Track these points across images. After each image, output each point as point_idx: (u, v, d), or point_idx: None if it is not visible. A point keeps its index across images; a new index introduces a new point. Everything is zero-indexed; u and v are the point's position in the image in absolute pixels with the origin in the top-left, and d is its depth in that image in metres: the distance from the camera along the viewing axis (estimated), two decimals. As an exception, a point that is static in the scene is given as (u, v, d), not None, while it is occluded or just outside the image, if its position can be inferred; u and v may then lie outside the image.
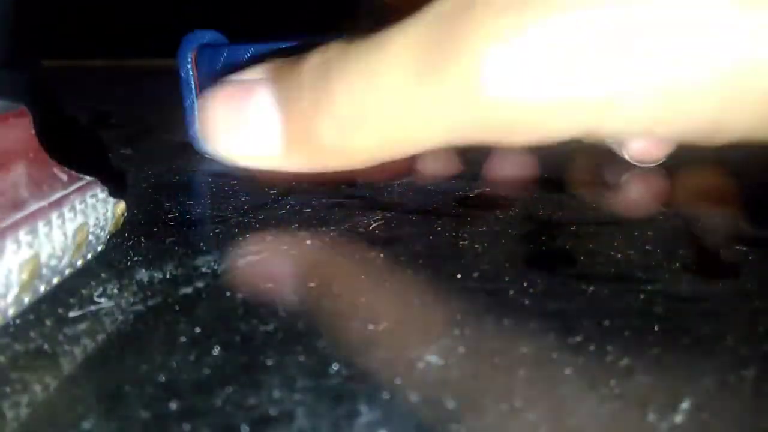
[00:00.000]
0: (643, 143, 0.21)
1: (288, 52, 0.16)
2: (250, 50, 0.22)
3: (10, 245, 0.12)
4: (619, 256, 0.16)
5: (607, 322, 0.13)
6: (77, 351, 0.12)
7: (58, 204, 0.13)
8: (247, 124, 0.16)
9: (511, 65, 0.12)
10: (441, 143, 0.14)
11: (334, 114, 0.14)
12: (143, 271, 0.15)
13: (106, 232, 0.15)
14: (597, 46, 0.12)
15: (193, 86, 0.25)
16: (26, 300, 0.13)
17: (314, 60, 0.15)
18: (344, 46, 0.14)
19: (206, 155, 0.24)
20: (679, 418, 0.10)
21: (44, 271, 0.13)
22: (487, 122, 0.13)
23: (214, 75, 0.21)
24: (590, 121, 0.13)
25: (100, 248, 0.15)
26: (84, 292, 0.14)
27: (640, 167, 0.24)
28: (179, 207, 0.19)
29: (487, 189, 0.22)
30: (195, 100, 0.25)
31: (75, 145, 0.27)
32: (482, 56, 0.12)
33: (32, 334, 0.12)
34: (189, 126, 0.25)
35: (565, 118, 0.13)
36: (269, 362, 0.11)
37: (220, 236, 0.17)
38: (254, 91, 0.16)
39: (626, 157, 0.23)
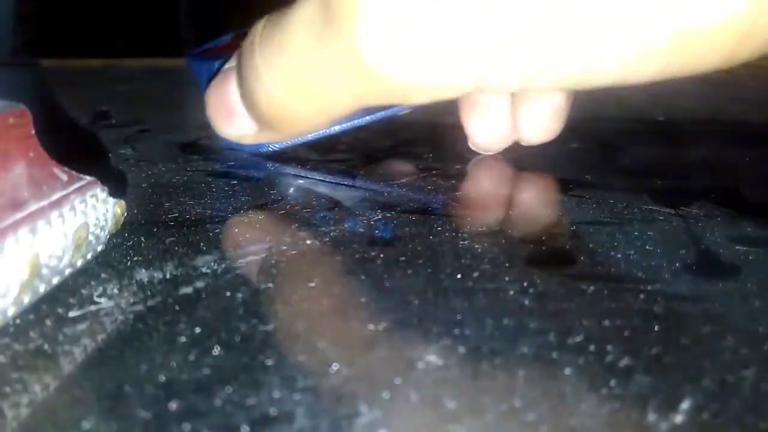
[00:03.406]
0: (485, 133, 0.23)
1: None
2: None
3: (10, 245, 0.12)
4: (619, 256, 0.16)
5: (607, 322, 0.13)
6: (77, 351, 0.12)
7: (58, 204, 0.13)
8: (228, 109, 0.18)
9: (379, 39, 0.14)
10: (355, 106, 0.16)
11: (265, 91, 0.16)
12: (143, 271, 0.15)
13: (106, 232, 0.15)
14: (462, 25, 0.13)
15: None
16: (26, 300, 0.13)
17: (246, 45, 0.17)
18: (264, 29, 0.16)
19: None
20: (679, 418, 0.10)
21: (44, 271, 0.13)
22: (372, 86, 0.15)
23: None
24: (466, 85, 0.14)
25: (100, 248, 0.15)
26: (84, 292, 0.14)
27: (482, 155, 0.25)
28: (179, 207, 0.19)
29: (488, 189, 0.22)
30: None
31: (75, 145, 0.27)
32: (357, 32, 0.14)
33: (32, 334, 0.12)
34: None
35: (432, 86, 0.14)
36: (269, 362, 0.11)
37: (220, 236, 0.17)
38: (227, 81, 0.18)
39: (470, 144, 0.24)
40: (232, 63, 0.18)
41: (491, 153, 0.24)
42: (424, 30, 0.13)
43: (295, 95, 0.16)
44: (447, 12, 0.13)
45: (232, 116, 0.18)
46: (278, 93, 0.16)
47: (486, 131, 0.23)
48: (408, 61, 0.14)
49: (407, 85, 0.14)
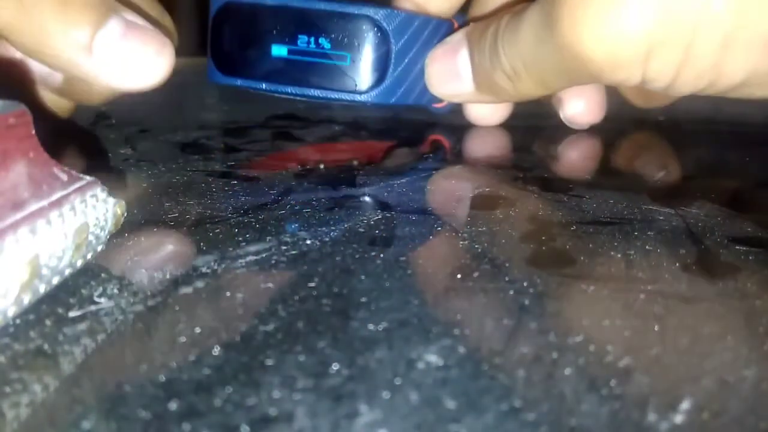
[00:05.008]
0: (581, 105, 0.27)
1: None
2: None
3: (10, 245, 0.12)
4: (619, 256, 0.16)
5: (607, 322, 0.13)
6: (77, 351, 0.12)
7: (58, 204, 0.13)
8: (453, 73, 0.24)
9: (592, 35, 0.18)
10: (567, 85, 0.22)
11: (502, 69, 0.22)
12: (143, 271, 0.15)
13: (106, 232, 0.15)
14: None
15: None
16: (26, 300, 0.13)
17: (489, 32, 0.22)
18: (507, 24, 0.21)
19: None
20: (679, 418, 0.10)
21: (44, 271, 0.13)
22: (580, 72, 0.19)
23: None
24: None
25: (100, 248, 0.15)
26: (84, 292, 0.14)
27: (574, 128, 0.27)
28: (179, 207, 0.19)
29: (487, 189, 0.22)
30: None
31: (75, 145, 0.27)
32: (576, 33, 0.18)
33: (32, 334, 0.12)
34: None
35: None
36: (269, 362, 0.11)
37: (220, 236, 0.17)
38: (457, 51, 0.24)
39: (562, 117, 0.28)
40: (456, 37, 0.24)
41: (582, 126, 0.28)
42: (630, 41, 0.17)
43: (527, 77, 0.21)
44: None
45: (456, 78, 0.24)
46: (514, 76, 0.22)
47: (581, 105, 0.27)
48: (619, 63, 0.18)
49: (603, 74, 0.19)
